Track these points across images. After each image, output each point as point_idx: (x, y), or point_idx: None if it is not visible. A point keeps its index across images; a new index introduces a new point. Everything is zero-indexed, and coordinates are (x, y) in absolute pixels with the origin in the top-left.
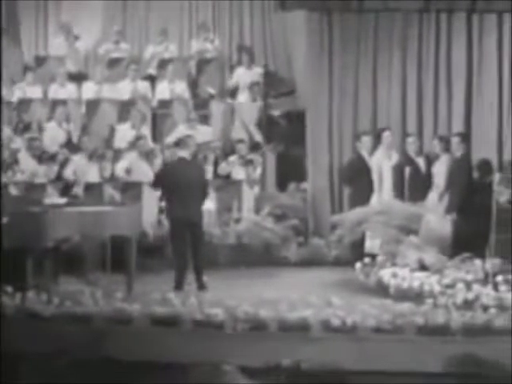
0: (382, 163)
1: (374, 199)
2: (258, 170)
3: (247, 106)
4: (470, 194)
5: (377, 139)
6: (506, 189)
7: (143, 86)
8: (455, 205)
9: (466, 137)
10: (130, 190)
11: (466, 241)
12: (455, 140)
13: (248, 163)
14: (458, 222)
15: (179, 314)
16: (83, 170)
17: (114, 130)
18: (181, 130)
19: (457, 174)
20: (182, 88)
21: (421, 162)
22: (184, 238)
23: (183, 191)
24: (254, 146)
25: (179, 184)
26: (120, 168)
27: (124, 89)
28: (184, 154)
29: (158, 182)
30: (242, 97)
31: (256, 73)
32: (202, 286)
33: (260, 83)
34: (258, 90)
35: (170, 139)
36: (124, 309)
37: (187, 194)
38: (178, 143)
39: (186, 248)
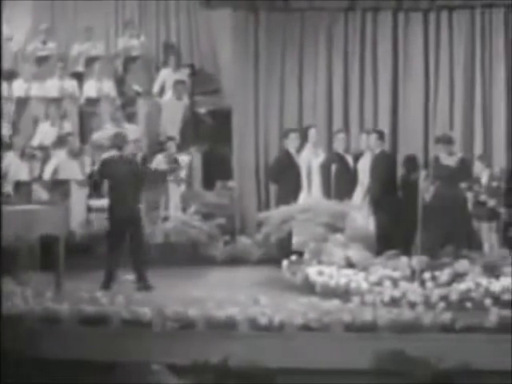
0: (310, 161)
1: (303, 197)
2: (185, 169)
3: (173, 104)
4: (392, 190)
5: (303, 137)
6: (432, 185)
7: (70, 84)
8: (374, 201)
9: (382, 134)
10: (58, 188)
11: (392, 238)
12: (372, 137)
13: (174, 161)
14: (381, 220)
15: (107, 312)
16: (15, 168)
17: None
18: (108, 129)
19: (375, 171)
20: (109, 86)
21: (349, 158)
22: (121, 237)
23: (121, 188)
24: (181, 145)
25: (117, 181)
26: (48, 169)
27: (52, 87)
28: (121, 151)
29: (98, 178)
30: (168, 95)
31: (183, 73)
32: (147, 287)
33: (185, 82)
34: (183, 88)
35: (97, 137)
36: (53, 308)
37: (125, 191)
38: (116, 140)
39: (121, 247)
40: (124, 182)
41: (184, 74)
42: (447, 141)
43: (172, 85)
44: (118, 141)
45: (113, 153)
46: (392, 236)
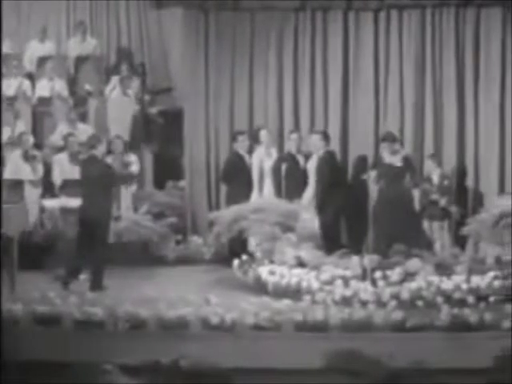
0: (262, 161)
1: (254, 197)
2: (135, 168)
3: (120, 100)
4: (337, 191)
5: (254, 138)
6: (377, 185)
7: (24, 83)
8: (318, 201)
9: (326, 135)
10: (12, 189)
11: (337, 237)
12: (316, 138)
13: (124, 161)
14: (325, 219)
15: (60, 312)
16: None
17: None
18: (61, 129)
19: (320, 172)
20: (61, 86)
21: (300, 159)
22: (91, 236)
23: (88, 190)
24: (131, 145)
25: (85, 182)
26: (7, 168)
27: (9, 86)
28: (93, 152)
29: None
30: (115, 92)
31: (134, 81)
32: (100, 286)
33: (129, 76)
34: (128, 82)
35: (54, 139)
36: (7, 308)
37: (92, 192)
38: (91, 141)
39: (85, 248)
40: (96, 182)
41: (136, 81)
42: (391, 139)
43: (118, 80)
44: (93, 141)
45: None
46: (337, 235)
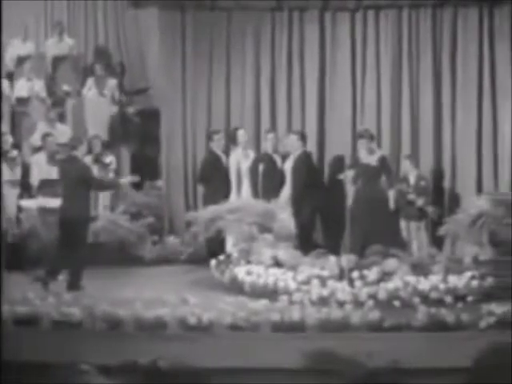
0: (240, 162)
1: (232, 197)
2: (112, 169)
3: (96, 100)
4: (313, 191)
5: (231, 138)
6: (354, 185)
7: (3, 83)
8: (294, 201)
9: (303, 135)
10: None
11: (312, 237)
12: (293, 138)
13: (100, 160)
14: (301, 219)
15: (39, 313)
16: None
17: None
18: (41, 129)
19: (296, 172)
20: (39, 86)
21: (277, 159)
22: (66, 238)
23: (67, 190)
24: (109, 144)
25: (64, 183)
26: None
27: None
28: (74, 152)
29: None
30: (92, 92)
31: (111, 82)
32: (78, 286)
33: (104, 76)
34: (103, 82)
35: (33, 139)
36: None
37: (71, 193)
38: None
39: (64, 248)
40: (75, 182)
41: (112, 81)
42: (369, 136)
43: (94, 80)
44: (74, 142)
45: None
46: (313, 236)
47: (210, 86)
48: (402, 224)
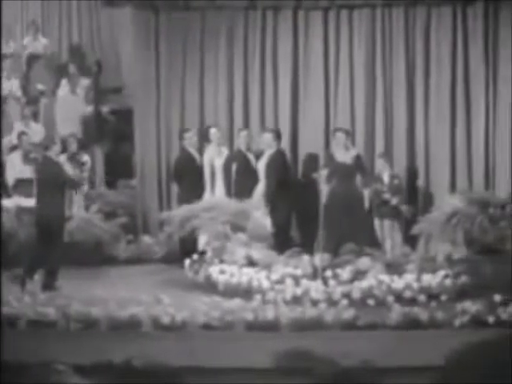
0: (213, 160)
1: (206, 196)
2: (87, 167)
3: (68, 99)
4: (287, 189)
5: (204, 136)
6: (328, 183)
7: None
8: (269, 200)
9: (278, 134)
10: None
11: (288, 236)
12: (268, 137)
13: (75, 160)
14: (276, 218)
15: (14, 312)
16: None
17: None
18: (17, 128)
19: (270, 171)
20: (15, 85)
21: (251, 157)
22: (42, 238)
23: (43, 190)
24: (84, 144)
25: (38, 182)
26: None
27: None
28: (47, 152)
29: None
30: (64, 91)
31: (83, 82)
32: (53, 286)
33: (77, 75)
34: (76, 81)
35: (11, 138)
36: None
37: (46, 193)
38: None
39: (40, 248)
40: (50, 182)
41: (85, 80)
42: (345, 131)
43: (66, 79)
44: (47, 142)
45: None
46: (288, 234)
47: (183, 85)
48: (376, 223)
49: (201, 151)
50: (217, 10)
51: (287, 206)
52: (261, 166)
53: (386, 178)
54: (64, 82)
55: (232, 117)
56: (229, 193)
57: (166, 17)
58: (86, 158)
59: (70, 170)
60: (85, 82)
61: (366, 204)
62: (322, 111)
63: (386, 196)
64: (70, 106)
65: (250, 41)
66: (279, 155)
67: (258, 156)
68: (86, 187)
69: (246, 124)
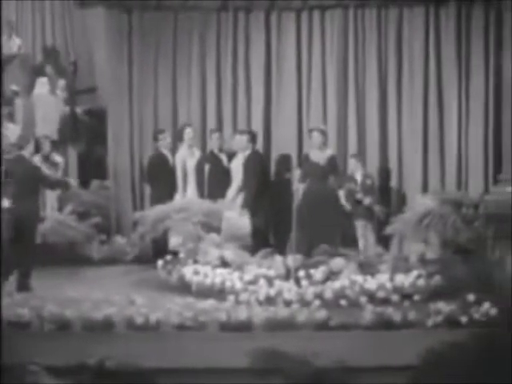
0: (186, 160)
1: (178, 197)
2: (60, 168)
3: (46, 99)
4: (266, 191)
5: (178, 137)
6: (302, 183)
7: None
8: (248, 201)
9: (254, 135)
10: None
11: (266, 237)
12: (244, 138)
13: (50, 161)
14: (255, 219)
15: None
16: None
17: None
18: None
19: (248, 172)
20: None
21: (223, 158)
22: (15, 238)
23: (15, 190)
24: (60, 144)
25: (12, 182)
26: None
27: None
28: (21, 152)
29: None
30: (42, 92)
31: (60, 84)
32: (27, 287)
33: (56, 76)
34: (55, 81)
35: None
36: None
37: (19, 193)
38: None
39: (14, 248)
40: (23, 182)
41: (62, 81)
42: (321, 131)
43: (46, 79)
44: (21, 142)
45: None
46: (266, 235)
47: (156, 86)
48: (350, 223)
49: (174, 152)
50: (189, 11)
51: (265, 206)
52: (233, 167)
53: (358, 178)
54: (40, 82)
55: (205, 117)
56: (201, 194)
57: (138, 17)
58: (58, 158)
59: (45, 170)
60: (61, 82)
61: (343, 204)
62: (294, 112)
63: (359, 196)
64: (50, 106)
65: (222, 41)
66: (255, 156)
67: (230, 157)
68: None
69: (219, 125)
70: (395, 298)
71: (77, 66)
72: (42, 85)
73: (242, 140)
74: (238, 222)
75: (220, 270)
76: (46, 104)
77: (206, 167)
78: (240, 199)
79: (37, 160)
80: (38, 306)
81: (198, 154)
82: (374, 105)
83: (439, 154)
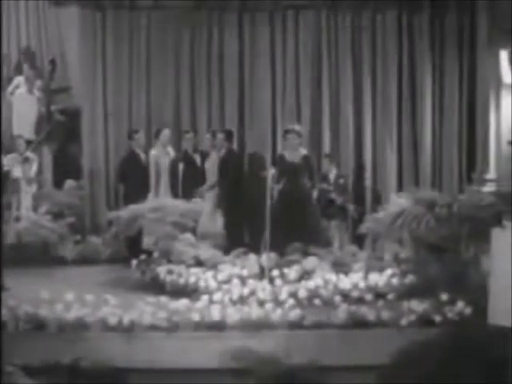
0: (159, 160)
1: (151, 196)
2: (34, 168)
3: (24, 98)
4: (239, 189)
5: (154, 136)
6: (277, 183)
7: None
8: (223, 201)
9: (229, 134)
10: None
11: (241, 236)
12: (219, 137)
13: (24, 160)
14: (228, 218)
15: None
16: None
17: None
18: None
19: (223, 171)
20: None
21: (197, 158)
22: None
23: None
24: (37, 143)
25: None
26: None
27: None
28: None
29: None
30: (20, 91)
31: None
32: (2, 288)
33: (33, 75)
34: (33, 81)
35: None
36: None
37: None
38: None
39: None
40: None
41: (39, 80)
42: (297, 132)
43: (23, 79)
44: None
45: None
46: (241, 234)
47: (130, 85)
48: (323, 222)
49: (147, 151)
50: (162, 10)
51: (239, 205)
52: (208, 167)
53: (331, 178)
54: (18, 82)
55: (179, 117)
56: (175, 193)
57: (112, 16)
58: (33, 157)
59: (18, 170)
60: (38, 82)
61: (315, 204)
62: (268, 111)
63: (332, 196)
64: (28, 105)
65: (196, 41)
66: (231, 155)
67: (204, 156)
68: (34, 188)
69: (193, 124)
70: (369, 297)
71: (55, 64)
72: (18, 85)
73: (219, 139)
74: (212, 221)
75: (194, 270)
76: (24, 103)
77: (180, 167)
78: (214, 198)
79: (12, 157)
80: (13, 305)
81: (171, 153)
82: (349, 105)
83: (413, 153)
